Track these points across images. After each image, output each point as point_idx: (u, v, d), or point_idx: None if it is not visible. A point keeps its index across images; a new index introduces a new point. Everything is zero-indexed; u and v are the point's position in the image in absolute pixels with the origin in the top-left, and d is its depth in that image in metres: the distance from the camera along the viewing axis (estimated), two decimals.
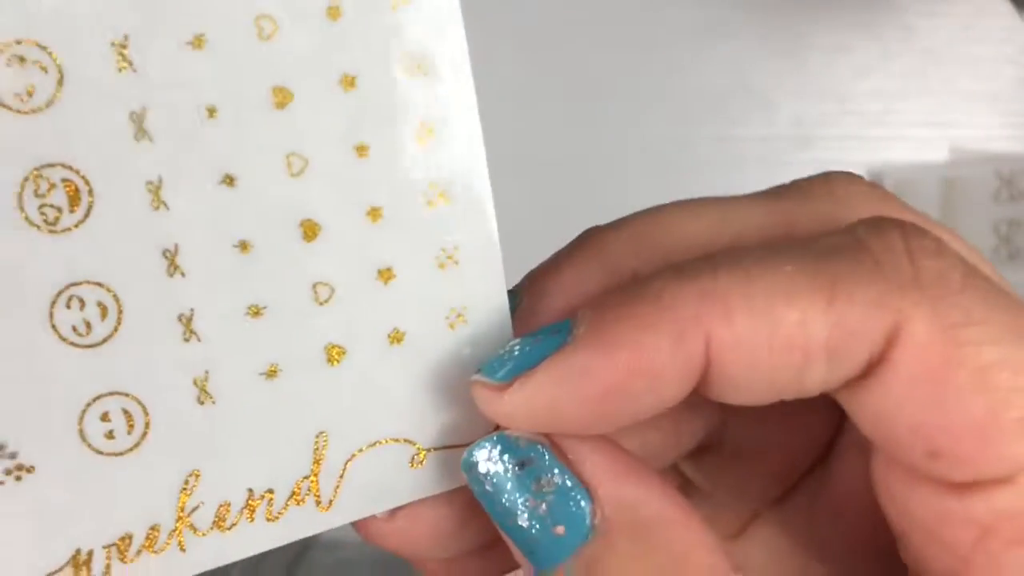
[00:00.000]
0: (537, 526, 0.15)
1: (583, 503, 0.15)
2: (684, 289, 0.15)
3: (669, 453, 0.19)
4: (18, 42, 0.15)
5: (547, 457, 0.16)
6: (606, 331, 0.15)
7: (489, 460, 0.16)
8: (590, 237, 0.18)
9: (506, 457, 0.16)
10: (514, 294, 0.18)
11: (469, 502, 0.17)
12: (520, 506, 0.15)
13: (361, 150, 0.17)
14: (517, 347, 0.16)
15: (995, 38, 0.50)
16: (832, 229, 0.16)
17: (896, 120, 0.50)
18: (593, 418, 0.15)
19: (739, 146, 0.49)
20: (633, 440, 0.18)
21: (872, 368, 0.15)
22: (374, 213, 0.17)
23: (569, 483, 0.15)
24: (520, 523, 0.15)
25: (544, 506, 0.15)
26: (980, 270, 0.16)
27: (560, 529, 0.15)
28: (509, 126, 0.49)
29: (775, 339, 0.15)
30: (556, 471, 0.16)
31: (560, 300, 0.17)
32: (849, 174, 0.18)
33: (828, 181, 0.18)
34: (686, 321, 0.15)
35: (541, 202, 0.49)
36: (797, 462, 0.19)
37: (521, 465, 0.16)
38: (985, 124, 0.50)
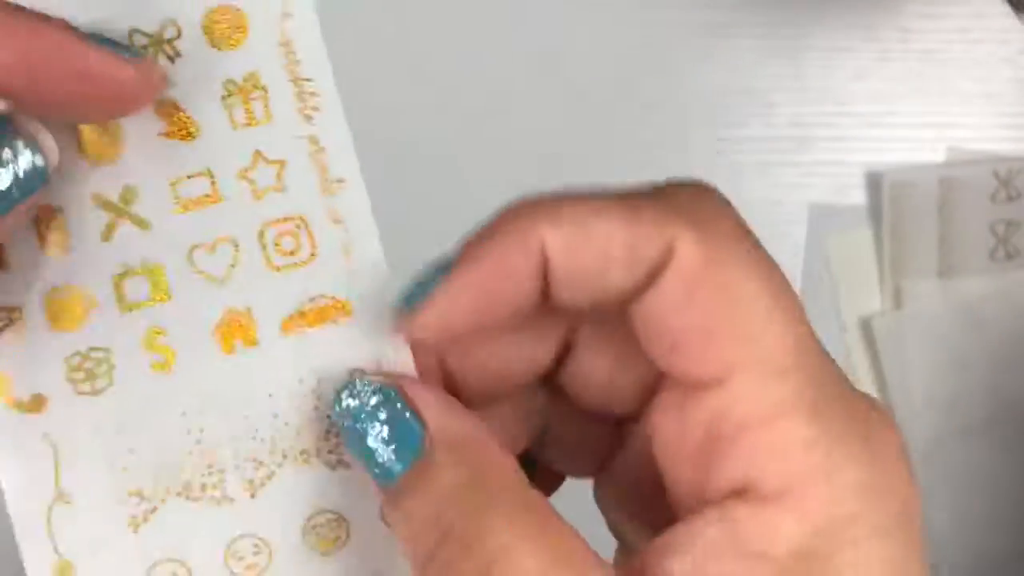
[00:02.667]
0: (382, 446, 0.20)
1: (417, 430, 0.20)
2: (524, 209, 0.21)
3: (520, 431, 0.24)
4: None
5: (393, 396, 0.21)
6: (470, 256, 0.20)
7: (351, 397, 0.21)
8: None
9: (363, 395, 0.21)
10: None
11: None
12: (370, 431, 0.20)
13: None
14: (422, 284, 0.21)
15: (993, 39, 0.50)
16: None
17: (894, 121, 0.50)
18: (477, 317, 0.20)
19: (738, 147, 0.49)
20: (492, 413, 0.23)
21: (653, 277, 0.20)
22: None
23: (408, 415, 0.20)
24: (369, 444, 0.20)
25: (387, 431, 0.20)
26: (751, 232, 0.21)
27: (399, 448, 0.20)
28: (508, 126, 0.50)
29: (589, 243, 0.20)
30: (399, 406, 0.21)
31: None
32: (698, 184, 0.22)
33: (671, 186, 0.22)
34: (526, 230, 0.20)
35: None
36: (600, 452, 0.24)
37: (376, 403, 0.21)
38: (983, 125, 0.50)
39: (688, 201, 0.20)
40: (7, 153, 0.18)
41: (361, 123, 0.22)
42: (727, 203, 0.21)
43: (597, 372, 0.23)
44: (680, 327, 0.20)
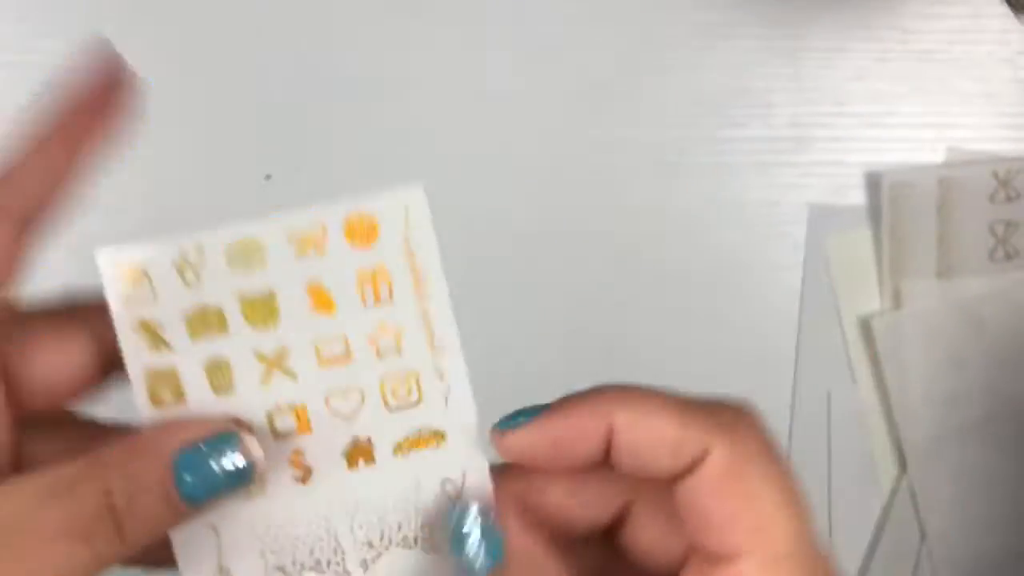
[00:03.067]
0: (474, 548, 0.28)
1: (501, 543, 0.28)
2: (602, 395, 0.27)
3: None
4: None
5: (489, 513, 0.28)
6: (557, 410, 0.27)
7: (460, 510, 0.28)
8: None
9: (468, 510, 0.28)
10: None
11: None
12: (469, 536, 0.28)
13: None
14: (517, 415, 0.28)
15: (991, 40, 0.50)
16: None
17: (893, 121, 0.50)
18: (552, 455, 0.27)
19: (737, 148, 0.49)
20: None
21: (693, 467, 0.26)
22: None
23: (497, 531, 0.28)
24: (467, 545, 0.28)
25: (480, 539, 0.28)
26: (775, 446, 0.27)
27: (487, 553, 0.27)
28: (507, 126, 0.50)
29: (647, 431, 0.27)
30: (492, 522, 0.28)
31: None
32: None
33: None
34: (603, 405, 0.27)
35: (539, 202, 0.49)
36: None
37: (475, 516, 0.28)
38: (982, 125, 0.50)
39: (727, 418, 0.27)
40: (224, 460, 0.26)
41: None
42: (760, 424, 0.27)
43: (648, 537, 0.29)
44: (707, 513, 0.26)
